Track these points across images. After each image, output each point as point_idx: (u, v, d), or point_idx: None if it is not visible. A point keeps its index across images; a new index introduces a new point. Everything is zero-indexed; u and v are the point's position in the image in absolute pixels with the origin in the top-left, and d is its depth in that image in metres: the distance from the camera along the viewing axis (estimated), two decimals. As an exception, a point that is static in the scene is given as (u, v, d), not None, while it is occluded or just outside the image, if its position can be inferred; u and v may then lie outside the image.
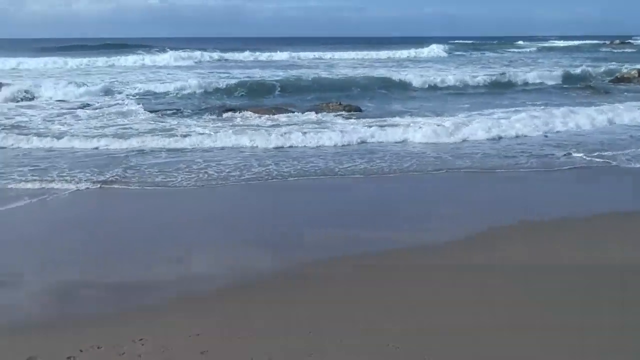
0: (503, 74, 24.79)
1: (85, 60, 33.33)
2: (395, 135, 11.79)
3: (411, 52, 45.75)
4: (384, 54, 44.12)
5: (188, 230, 6.48)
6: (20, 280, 5.09)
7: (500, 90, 21.35)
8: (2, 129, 12.33)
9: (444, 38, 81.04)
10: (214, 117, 14.68)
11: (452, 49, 51.26)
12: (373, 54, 43.68)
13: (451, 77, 23.20)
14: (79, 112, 15.21)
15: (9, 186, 8.11)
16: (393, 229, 6.53)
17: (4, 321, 4.33)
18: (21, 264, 5.49)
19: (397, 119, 13.92)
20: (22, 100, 17.15)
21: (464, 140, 11.66)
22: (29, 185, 8.11)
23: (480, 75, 24.06)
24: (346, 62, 36.61)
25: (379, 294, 4.81)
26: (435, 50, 47.58)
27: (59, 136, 11.49)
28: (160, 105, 16.96)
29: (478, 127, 12.35)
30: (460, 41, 72.63)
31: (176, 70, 28.94)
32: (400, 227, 6.58)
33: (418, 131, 11.96)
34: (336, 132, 11.81)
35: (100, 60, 33.55)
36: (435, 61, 38.36)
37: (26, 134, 11.68)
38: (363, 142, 11.35)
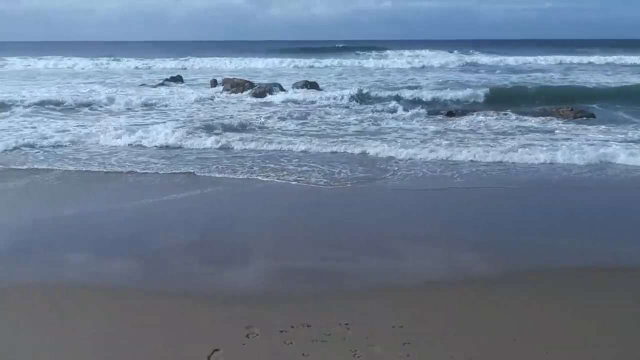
0: None
1: (329, 60, 35.24)
2: None
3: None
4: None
5: (407, 226, 6.55)
6: (249, 257, 5.57)
7: None
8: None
9: None
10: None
11: None
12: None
13: None
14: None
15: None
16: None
17: (229, 292, 4.77)
18: (263, 243, 6.00)
19: None
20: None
21: None
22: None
23: None
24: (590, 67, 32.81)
25: (594, 310, 4.36)
26: None
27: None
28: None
29: None
30: None
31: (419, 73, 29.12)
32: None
33: None
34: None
35: (347, 61, 34.92)
36: None
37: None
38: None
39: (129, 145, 10.76)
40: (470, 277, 5.03)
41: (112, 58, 37.54)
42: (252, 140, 10.94)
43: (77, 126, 12.66)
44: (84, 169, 8.93)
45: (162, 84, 22.58)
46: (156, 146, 10.74)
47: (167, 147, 10.71)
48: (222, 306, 4.47)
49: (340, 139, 11.35)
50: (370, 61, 35.54)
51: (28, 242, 5.85)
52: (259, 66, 33.21)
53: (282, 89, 19.91)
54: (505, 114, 14.50)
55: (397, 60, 36.37)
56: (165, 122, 12.93)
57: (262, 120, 13.62)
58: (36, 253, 5.56)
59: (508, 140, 11.14)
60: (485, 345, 3.85)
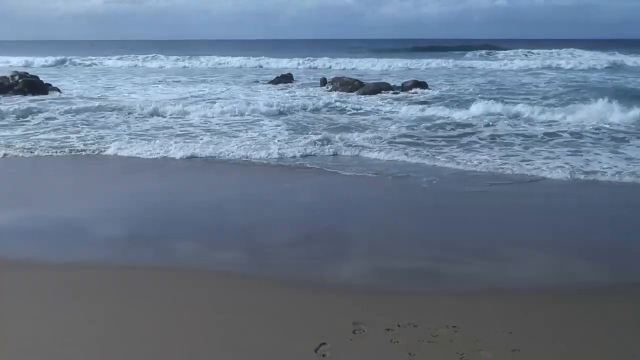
0: None
1: (440, 61, 34.71)
2: None
3: None
4: None
5: (519, 229, 6.39)
6: (359, 251, 5.64)
7: None
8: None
9: None
10: None
11: None
12: None
13: None
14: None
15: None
16: None
17: (340, 286, 4.85)
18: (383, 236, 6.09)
19: None
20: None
21: None
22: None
23: None
24: None
25: None
26: None
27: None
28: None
29: None
30: None
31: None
32: None
33: None
34: None
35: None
36: None
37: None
38: None
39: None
40: (581, 285, 4.81)
41: (225, 56, 39.09)
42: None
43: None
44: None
45: (274, 82, 23.26)
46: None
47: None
48: (331, 299, 4.55)
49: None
50: (491, 62, 34.24)
51: (152, 226, 6.30)
52: (367, 65, 33.06)
53: (391, 88, 19.82)
54: None
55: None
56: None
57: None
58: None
59: None
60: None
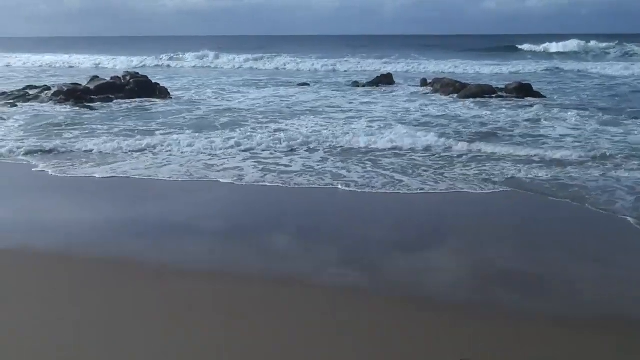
0: None
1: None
2: None
3: None
4: None
5: None
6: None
7: None
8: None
9: None
10: None
11: None
12: None
13: None
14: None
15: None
16: None
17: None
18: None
19: None
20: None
21: None
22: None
23: None
24: None
25: None
26: None
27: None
28: None
29: None
30: None
31: None
32: None
33: None
34: None
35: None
36: None
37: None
38: None
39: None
40: None
41: (316, 56, 39.13)
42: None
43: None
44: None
45: (374, 84, 23.05)
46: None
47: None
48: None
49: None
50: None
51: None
52: (463, 67, 31.41)
53: (493, 91, 19.04)
54: None
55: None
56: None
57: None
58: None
59: None
60: None
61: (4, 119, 13.68)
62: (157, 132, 12.20)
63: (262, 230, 6.55)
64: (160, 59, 39.68)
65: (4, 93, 18.41)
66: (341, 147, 10.75)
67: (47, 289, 4.94)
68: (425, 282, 5.20)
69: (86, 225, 6.58)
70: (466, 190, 8.11)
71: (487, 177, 8.70)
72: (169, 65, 38.07)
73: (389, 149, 10.55)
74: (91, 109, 15.82)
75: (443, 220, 7.19)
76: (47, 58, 41.79)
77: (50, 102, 16.92)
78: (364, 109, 16.03)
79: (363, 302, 4.77)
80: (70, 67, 38.07)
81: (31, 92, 18.58)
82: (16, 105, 16.16)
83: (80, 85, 18.85)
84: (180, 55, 40.63)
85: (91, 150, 10.33)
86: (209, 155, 10.18)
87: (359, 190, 8.06)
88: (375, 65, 33.06)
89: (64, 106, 16.09)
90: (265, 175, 8.83)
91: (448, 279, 5.28)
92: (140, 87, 18.86)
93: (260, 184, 8.43)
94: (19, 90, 18.87)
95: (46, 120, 13.50)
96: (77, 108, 15.83)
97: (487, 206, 7.76)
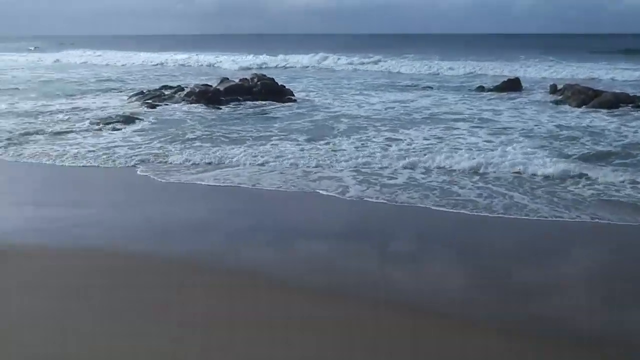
0: None
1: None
2: None
3: None
4: None
5: None
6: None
7: None
8: None
9: None
10: None
11: None
12: None
13: None
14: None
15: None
16: None
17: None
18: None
19: None
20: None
21: None
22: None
23: None
24: None
25: None
26: None
27: None
28: None
29: None
30: None
31: None
32: None
33: None
34: None
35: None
36: None
37: None
38: None
39: None
40: None
41: (440, 57, 38.10)
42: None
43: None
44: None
45: (501, 89, 22.05)
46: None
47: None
48: None
49: None
50: None
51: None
52: (598, 71, 28.93)
53: (631, 100, 17.38)
54: None
55: None
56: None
57: None
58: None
59: None
60: None
61: (141, 120, 14.74)
62: (272, 138, 12.49)
63: (373, 251, 6.48)
64: (286, 60, 40.26)
65: (141, 92, 19.89)
66: (455, 161, 10.20)
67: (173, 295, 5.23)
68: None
69: (201, 234, 6.91)
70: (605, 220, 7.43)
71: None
72: (287, 67, 38.27)
73: (508, 170, 9.73)
74: (220, 110, 16.66)
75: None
76: (179, 57, 44.40)
77: (183, 102, 18.00)
78: (487, 118, 15.43)
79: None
80: (208, 65, 40.28)
81: (166, 92, 19.87)
82: (154, 107, 17.22)
83: (210, 86, 19.80)
84: (301, 56, 40.83)
85: (202, 159, 10.58)
86: (316, 165, 10.17)
87: (476, 213, 7.67)
88: (501, 68, 31.66)
89: (196, 107, 17.07)
90: (368, 188, 8.71)
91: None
92: (267, 89, 19.39)
93: (365, 199, 8.28)
94: (155, 90, 20.29)
95: (173, 126, 14.03)
96: (207, 109, 16.73)
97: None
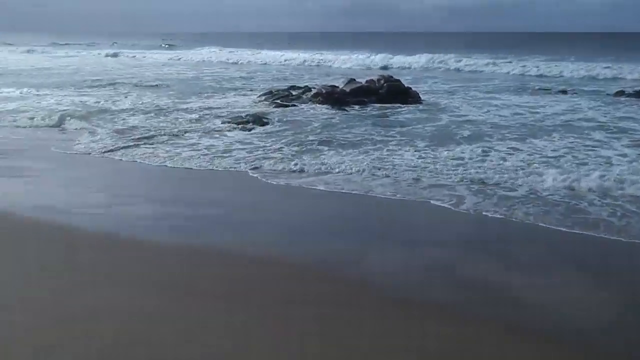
0: None
1: None
2: None
3: None
4: None
5: None
6: None
7: None
8: None
9: None
10: None
11: None
12: None
13: None
14: None
15: None
16: None
17: None
18: None
19: None
20: None
21: None
22: None
23: None
24: None
25: None
26: None
27: None
28: None
29: None
30: None
31: None
32: None
33: None
34: None
35: None
36: None
37: None
38: None
39: None
40: None
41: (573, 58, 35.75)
42: None
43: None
44: None
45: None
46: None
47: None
48: None
49: None
50: None
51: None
52: None
53: None
54: None
55: None
56: None
57: None
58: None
59: None
60: None
61: (268, 120, 15.35)
62: (391, 143, 12.39)
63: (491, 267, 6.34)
64: (410, 60, 39.39)
65: (270, 92, 20.70)
66: (583, 175, 9.55)
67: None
68: None
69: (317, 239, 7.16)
70: None
71: None
72: (411, 67, 37.43)
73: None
74: (345, 112, 16.96)
75: None
76: (301, 56, 45.27)
77: (310, 102, 18.54)
78: (624, 127, 14.38)
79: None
80: (329, 65, 40.99)
81: (294, 92, 20.53)
82: (284, 107, 17.87)
83: (337, 87, 20.13)
84: (425, 55, 39.28)
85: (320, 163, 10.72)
86: (429, 173, 9.97)
87: (615, 238, 7.02)
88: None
89: (321, 108, 17.54)
90: (484, 200, 8.46)
91: None
92: (392, 91, 19.36)
93: (484, 212, 7.96)
94: (283, 90, 21.04)
95: (297, 128, 14.41)
96: (333, 110, 17.10)
97: None
